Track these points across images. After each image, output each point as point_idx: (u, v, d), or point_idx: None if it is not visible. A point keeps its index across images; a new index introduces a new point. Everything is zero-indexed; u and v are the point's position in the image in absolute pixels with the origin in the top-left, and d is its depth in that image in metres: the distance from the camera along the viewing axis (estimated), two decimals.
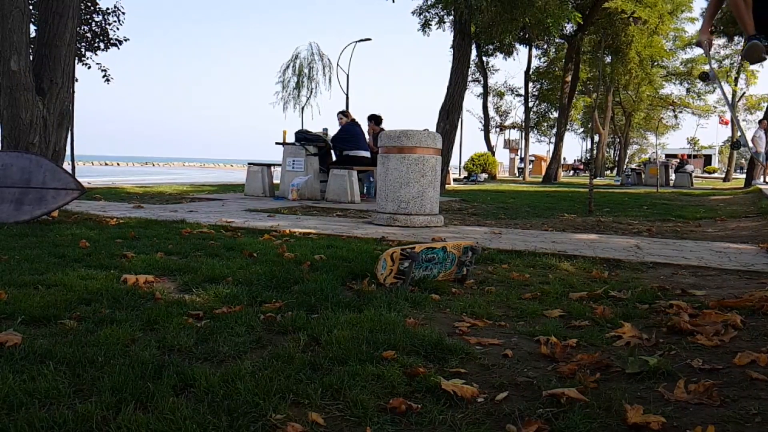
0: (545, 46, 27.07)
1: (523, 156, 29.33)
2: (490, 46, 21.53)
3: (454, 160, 17.79)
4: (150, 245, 3.84)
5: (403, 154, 5.51)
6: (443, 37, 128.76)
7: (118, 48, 12.43)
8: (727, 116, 31.70)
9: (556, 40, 23.23)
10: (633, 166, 38.21)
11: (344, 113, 9.68)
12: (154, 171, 45.66)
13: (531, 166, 30.21)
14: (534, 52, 26.77)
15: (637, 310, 2.54)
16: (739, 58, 26.44)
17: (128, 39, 12.65)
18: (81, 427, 1.34)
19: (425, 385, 1.62)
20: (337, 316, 2.24)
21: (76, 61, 10.53)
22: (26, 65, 5.66)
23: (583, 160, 44.85)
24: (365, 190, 9.62)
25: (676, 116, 38.62)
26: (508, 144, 40.32)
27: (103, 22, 12.33)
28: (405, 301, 2.53)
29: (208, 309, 2.32)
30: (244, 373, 1.64)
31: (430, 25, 13.38)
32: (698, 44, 3.66)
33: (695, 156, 58.56)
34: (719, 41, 24.79)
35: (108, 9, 12.38)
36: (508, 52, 22.38)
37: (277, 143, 9.68)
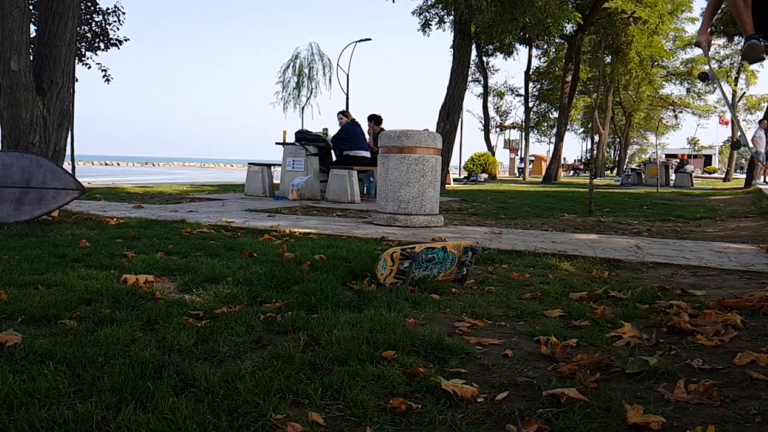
0: (545, 46, 27.09)
1: (523, 156, 29.33)
2: (490, 46, 21.52)
3: (454, 160, 17.80)
4: (150, 245, 3.84)
5: (403, 154, 5.51)
6: (443, 37, 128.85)
7: (118, 48, 12.45)
8: (727, 116, 31.71)
9: (556, 40, 23.24)
10: (633, 166, 38.22)
11: (344, 113, 9.68)
12: (154, 171, 45.67)
13: (531, 166, 30.20)
14: (534, 52, 26.79)
15: (637, 310, 2.54)
16: (739, 57, 26.42)
17: (128, 39, 12.67)
18: (81, 427, 1.34)
19: (425, 385, 1.62)
20: (337, 316, 2.24)
21: (76, 61, 10.52)
22: (26, 65, 5.66)
23: (583, 160, 44.85)
24: (365, 190, 9.62)
25: (676, 116, 38.65)
26: (508, 144, 40.31)
27: (103, 22, 12.34)
28: (405, 301, 2.53)
29: (208, 309, 2.32)
30: (244, 373, 1.64)
31: (430, 25, 13.39)
32: (697, 44, 3.66)
33: (695, 156, 58.58)
34: (719, 41, 24.80)
35: (108, 9, 12.41)
36: (508, 52, 22.37)
37: (277, 143, 9.68)
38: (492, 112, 36.06)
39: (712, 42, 3.68)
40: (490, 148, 30.08)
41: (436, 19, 13.63)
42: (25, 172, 4.93)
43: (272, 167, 9.85)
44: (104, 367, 1.67)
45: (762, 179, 15.86)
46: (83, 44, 12.09)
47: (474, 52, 20.64)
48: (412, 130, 5.54)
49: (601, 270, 3.46)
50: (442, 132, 10.81)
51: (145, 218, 5.46)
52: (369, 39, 28.70)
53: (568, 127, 28.03)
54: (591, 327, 2.28)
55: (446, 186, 13.34)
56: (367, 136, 9.62)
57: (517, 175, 32.03)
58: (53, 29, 5.89)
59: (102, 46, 12.40)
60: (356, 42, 28.54)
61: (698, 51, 28.03)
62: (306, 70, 27.15)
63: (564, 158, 35.30)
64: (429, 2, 13.44)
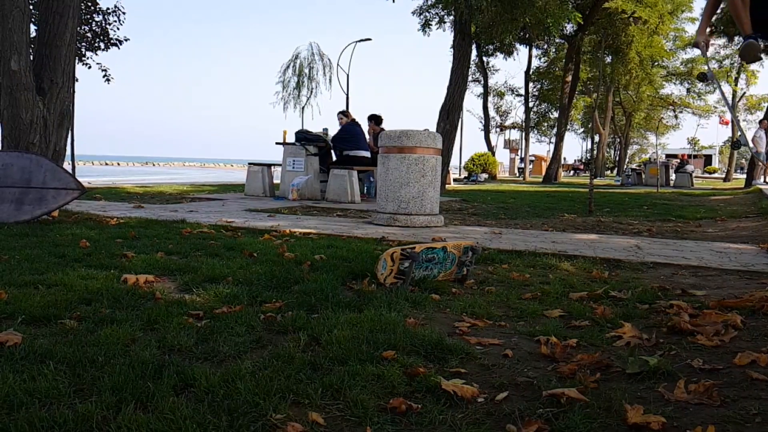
0: (545, 46, 27.09)
1: (523, 156, 29.33)
2: (490, 46, 21.52)
3: (454, 160, 17.80)
4: (150, 245, 3.85)
5: (403, 154, 5.51)
6: (443, 37, 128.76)
7: (119, 48, 12.46)
8: (728, 116, 31.71)
9: (557, 40, 23.24)
10: (633, 166, 38.21)
11: (344, 113, 9.68)
12: (154, 171, 45.67)
13: (531, 166, 30.20)
14: (534, 52, 26.79)
15: (637, 310, 2.54)
16: (738, 57, 26.42)
17: (128, 39, 12.68)
18: (81, 426, 1.34)
19: (425, 385, 1.62)
20: (337, 316, 2.24)
21: (77, 61, 10.53)
22: (26, 65, 5.66)
23: (583, 160, 44.85)
24: (365, 190, 9.62)
25: (676, 116, 38.64)
26: (508, 144, 40.31)
27: (103, 21, 12.35)
28: (405, 301, 2.53)
29: (209, 309, 2.33)
30: (244, 373, 1.64)
31: (431, 25, 13.40)
32: (696, 45, 3.66)
33: (695, 156, 58.60)
34: (719, 41, 24.81)
35: (108, 9, 12.42)
36: (509, 52, 22.37)
37: (277, 143, 9.68)
38: (492, 112, 36.10)
39: (711, 42, 3.68)
40: (490, 148, 30.09)
41: (436, 19, 13.65)
42: (26, 172, 4.93)
43: (272, 167, 9.85)
44: (104, 367, 1.67)
45: (762, 179, 15.86)
46: (83, 44, 12.10)
47: (474, 52, 20.65)
48: (412, 130, 5.54)
49: (601, 270, 3.46)
50: (442, 132, 10.81)
51: (146, 218, 5.46)
52: (369, 39, 28.72)
53: (568, 127, 28.05)
54: (591, 327, 2.28)
55: (446, 186, 13.35)
56: (367, 136, 9.62)
57: (517, 175, 32.03)
58: (53, 29, 5.90)
59: (102, 46, 12.41)
60: (356, 42, 28.57)
61: (698, 51, 28.05)
62: (306, 70, 27.18)
63: (564, 158, 35.31)
64: (429, 2, 13.45)
